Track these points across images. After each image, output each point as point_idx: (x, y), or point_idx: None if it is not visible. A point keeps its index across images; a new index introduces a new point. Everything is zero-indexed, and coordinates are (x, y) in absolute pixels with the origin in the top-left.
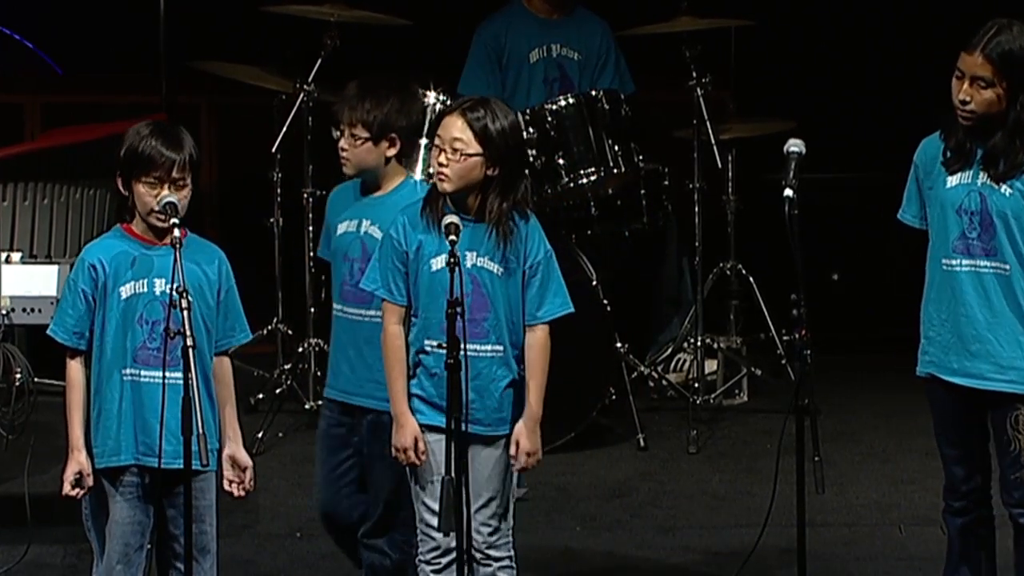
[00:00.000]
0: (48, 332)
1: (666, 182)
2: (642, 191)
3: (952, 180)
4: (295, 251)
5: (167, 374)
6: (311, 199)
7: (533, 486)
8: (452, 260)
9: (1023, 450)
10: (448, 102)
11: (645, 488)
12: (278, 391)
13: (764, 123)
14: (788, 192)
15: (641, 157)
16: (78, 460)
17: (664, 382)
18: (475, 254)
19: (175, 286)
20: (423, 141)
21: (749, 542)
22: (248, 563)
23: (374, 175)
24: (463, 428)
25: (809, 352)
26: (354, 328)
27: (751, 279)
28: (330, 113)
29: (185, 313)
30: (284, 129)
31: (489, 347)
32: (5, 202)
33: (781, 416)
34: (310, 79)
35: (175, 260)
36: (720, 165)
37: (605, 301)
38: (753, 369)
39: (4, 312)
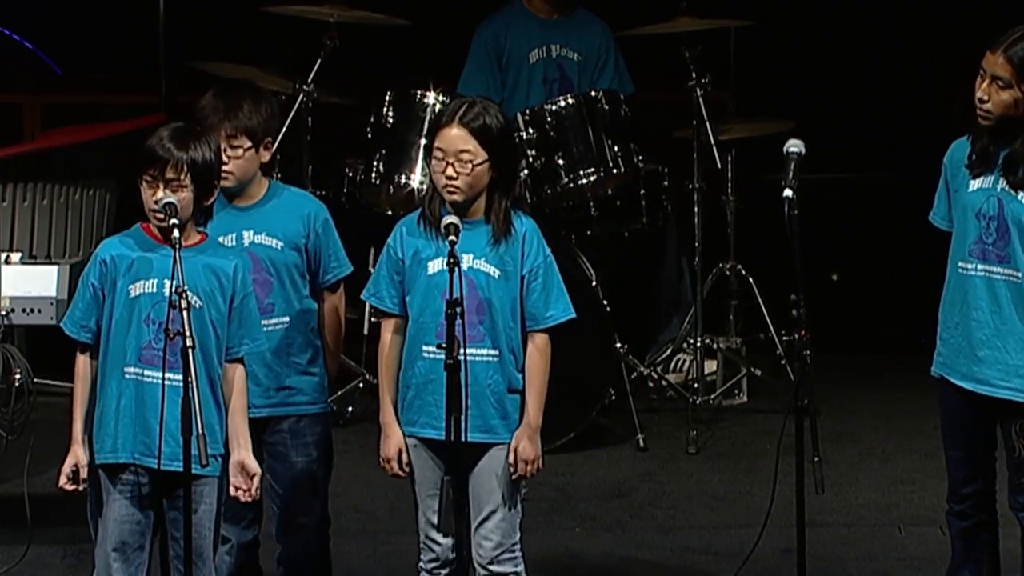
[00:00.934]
0: (60, 323)
1: (666, 182)
2: (642, 191)
3: (974, 184)
4: None
5: (170, 375)
6: None
7: (533, 486)
8: (452, 260)
9: None
10: (447, 102)
11: (645, 488)
12: None
13: (764, 123)
14: (788, 192)
15: (641, 157)
16: (75, 453)
17: (664, 382)
18: (471, 256)
19: (175, 286)
20: (423, 141)
21: (749, 542)
22: None
23: (246, 183)
24: (462, 438)
25: (809, 352)
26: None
27: (751, 279)
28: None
29: (184, 314)
30: (283, 129)
31: (485, 351)
32: (5, 202)
33: (781, 416)
34: (310, 79)
35: (175, 260)
36: (720, 165)
37: (605, 301)
38: (753, 369)
39: (4, 312)
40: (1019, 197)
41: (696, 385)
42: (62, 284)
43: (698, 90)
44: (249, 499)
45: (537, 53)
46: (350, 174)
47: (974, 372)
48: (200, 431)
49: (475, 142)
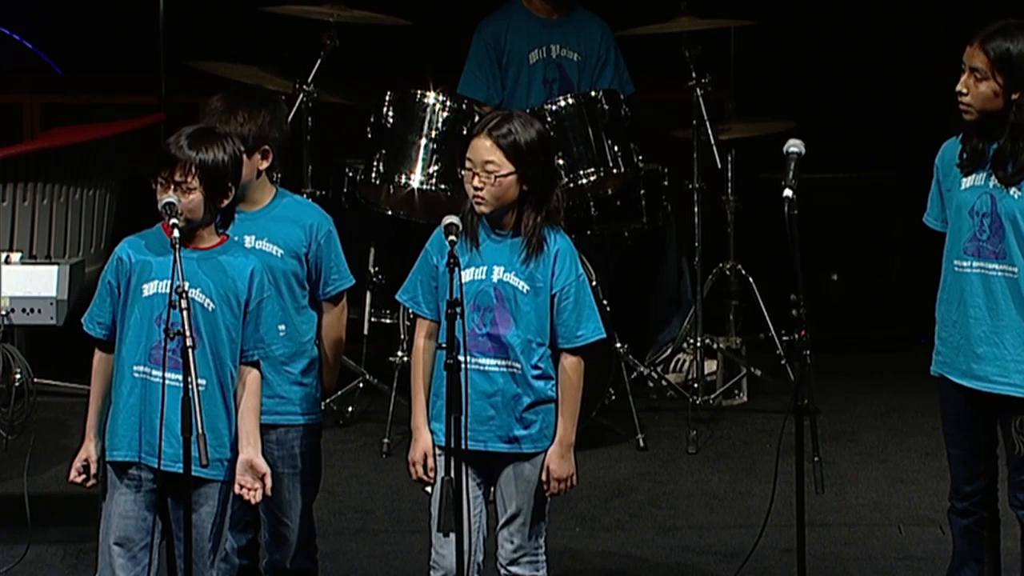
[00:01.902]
0: (82, 320)
1: (666, 182)
2: (642, 191)
3: (966, 182)
4: None
5: (172, 375)
6: (311, 199)
7: None
8: (451, 260)
9: None
10: (448, 102)
11: (645, 488)
12: None
13: (763, 123)
14: (788, 192)
15: (641, 157)
16: (87, 448)
17: (664, 382)
18: (502, 269)
19: (175, 286)
20: (423, 141)
21: (749, 542)
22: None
23: (243, 189)
24: (463, 445)
25: (809, 352)
26: None
27: (751, 279)
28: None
29: (185, 313)
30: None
31: (507, 363)
32: (5, 202)
33: (781, 416)
34: (310, 79)
35: (175, 260)
36: (719, 165)
37: (605, 301)
38: (753, 369)
39: (4, 312)
40: (1011, 193)
41: (696, 385)
42: (62, 284)
43: (698, 90)
44: (257, 500)
45: (537, 53)
46: (350, 174)
47: (973, 369)
48: (200, 431)
49: (501, 154)
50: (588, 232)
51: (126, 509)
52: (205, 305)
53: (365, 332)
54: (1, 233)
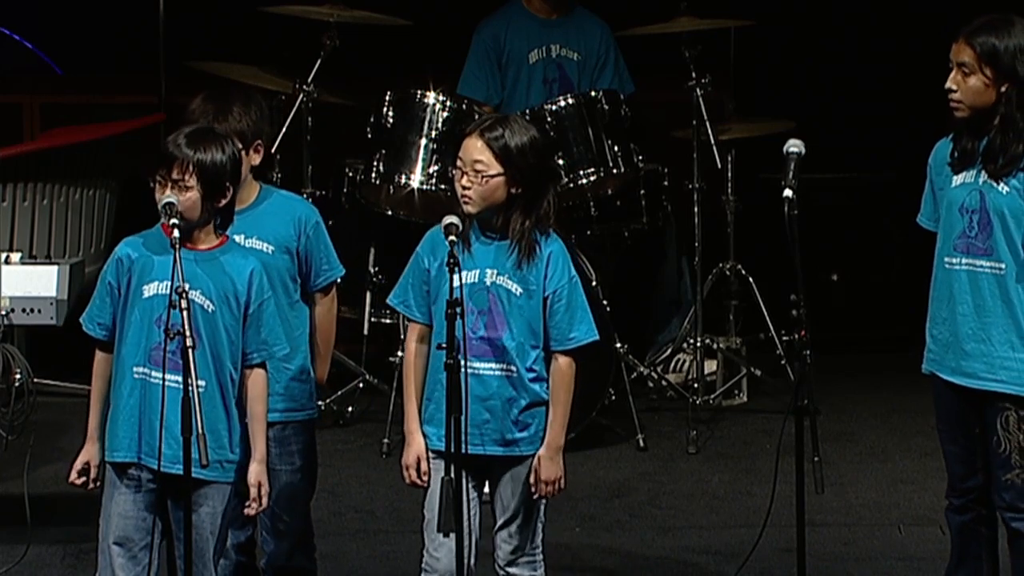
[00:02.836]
0: (80, 320)
1: (666, 182)
2: (642, 191)
3: (957, 179)
4: None
5: (172, 376)
6: (311, 199)
7: None
8: (451, 260)
9: (1014, 451)
10: (447, 102)
11: (645, 488)
12: None
13: (763, 123)
14: (788, 192)
15: (640, 157)
16: (88, 450)
17: (664, 382)
18: (495, 272)
19: (175, 286)
20: (423, 141)
21: (749, 542)
22: None
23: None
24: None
25: (809, 352)
26: None
27: (751, 279)
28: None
29: (184, 313)
30: (283, 129)
31: (503, 366)
32: (5, 202)
33: (781, 416)
34: (310, 79)
35: (174, 260)
36: (719, 165)
37: (605, 301)
38: (753, 369)
39: (4, 312)
40: (999, 188)
41: (696, 385)
42: (62, 284)
43: (698, 90)
44: (252, 514)
45: (537, 53)
46: (350, 174)
47: (962, 366)
48: (200, 432)
49: (490, 155)
50: (588, 232)
51: (125, 509)
52: (205, 306)
53: (365, 332)
54: (1, 233)
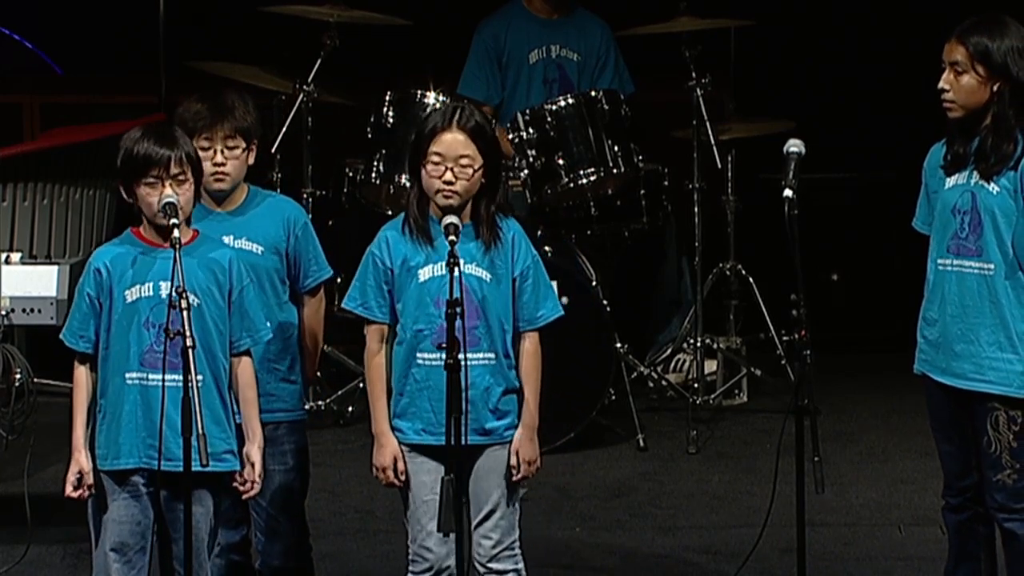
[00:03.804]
0: (60, 336)
1: (666, 182)
2: (642, 191)
3: (950, 181)
4: None
5: (171, 376)
6: (311, 199)
7: (533, 486)
8: (452, 260)
9: (1004, 451)
10: (447, 102)
11: (645, 488)
12: None
13: (763, 123)
14: (788, 192)
15: (641, 157)
16: (78, 461)
17: (664, 382)
18: (462, 261)
19: (175, 286)
20: None
21: (749, 542)
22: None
23: (230, 188)
24: (462, 441)
25: (809, 352)
26: None
27: (751, 279)
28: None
29: (185, 314)
30: (284, 130)
31: (481, 355)
32: (5, 202)
33: (781, 416)
34: (310, 79)
35: (175, 260)
36: (719, 165)
37: (605, 301)
38: (753, 369)
39: (4, 312)
40: (990, 188)
41: (696, 385)
42: (62, 284)
43: (698, 90)
44: (248, 495)
45: (537, 53)
46: (350, 174)
47: (952, 367)
48: (200, 431)
49: (474, 147)
50: (588, 232)
51: (121, 515)
52: (192, 301)
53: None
54: (1, 233)
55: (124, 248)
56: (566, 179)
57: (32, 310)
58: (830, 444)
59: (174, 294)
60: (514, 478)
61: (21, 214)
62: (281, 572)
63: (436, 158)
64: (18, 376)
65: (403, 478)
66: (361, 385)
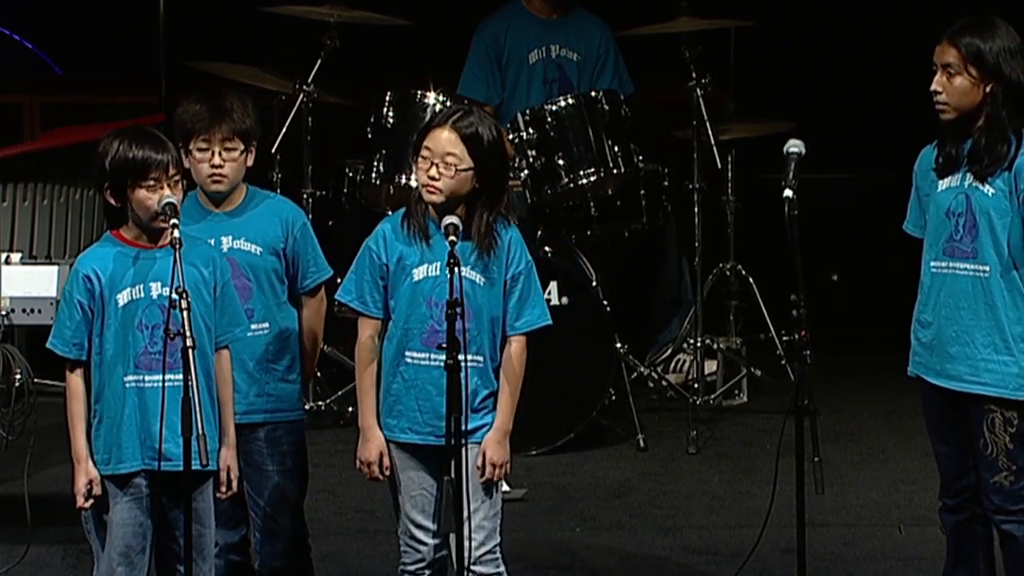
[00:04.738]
0: (47, 345)
1: (666, 182)
2: (642, 191)
3: (943, 184)
4: None
5: (170, 376)
6: (311, 200)
7: (533, 486)
8: (452, 260)
9: (1000, 453)
10: (448, 103)
11: (645, 488)
12: None
13: (763, 123)
14: (788, 192)
15: (641, 157)
16: (86, 471)
17: (664, 382)
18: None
19: (175, 287)
20: None
21: (749, 542)
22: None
23: (228, 190)
24: (450, 441)
25: (809, 352)
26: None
27: (751, 279)
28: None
29: (185, 314)
30: (283, 130)
31: (470, 357)
32: (5, 202)
33: (781, 416)
34: (310, 79)
35: (175, 261)
36: (719, 165)
37: (605, 301)
38: (753, 369)
39: (4, 313)
40: (985, 190)
41: (696, 385)
42: (62, 284)
43: (698, 90)
44: (224, 497)
45: (537, 53)
46: (350, 174)
47: (947, 369)
48: (200, 431)
49: (463, 148)
50: (588, 232)
51: (124, 518)
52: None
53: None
54: (1, 233)
55: (111, 251)
56: (566, 179)
57: (32, 310)
58: (830, 444)
59: (174, 295)
60: (480, 480)
61: (21, 214)
62: (280, 572)
63: (426, 152)
64: (18, 376)
65: (387, 473)
66: None
